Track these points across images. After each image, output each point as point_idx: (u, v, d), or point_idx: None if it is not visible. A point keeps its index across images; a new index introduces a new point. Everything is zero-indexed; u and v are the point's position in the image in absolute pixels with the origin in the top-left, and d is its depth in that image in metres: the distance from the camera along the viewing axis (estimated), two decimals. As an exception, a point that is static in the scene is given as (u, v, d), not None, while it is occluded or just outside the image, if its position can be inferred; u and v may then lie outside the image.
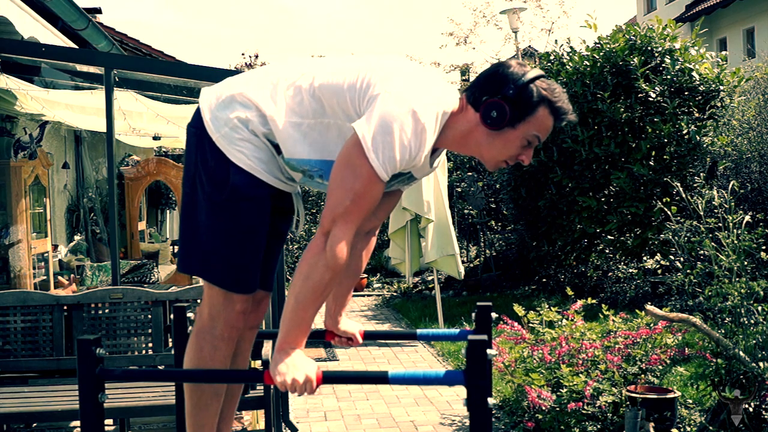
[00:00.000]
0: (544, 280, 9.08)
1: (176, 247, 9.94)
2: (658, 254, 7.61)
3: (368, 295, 9.79)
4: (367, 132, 1.77)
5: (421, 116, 1.80)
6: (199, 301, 3.83)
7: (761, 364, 3.38)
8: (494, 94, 1.86)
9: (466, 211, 10.78)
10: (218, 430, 2.20)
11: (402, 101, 1.79)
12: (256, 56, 17.21)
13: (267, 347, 3.39)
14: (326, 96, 1.89)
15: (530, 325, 4.20)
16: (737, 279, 3.61)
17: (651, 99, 7.29)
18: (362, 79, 1.86)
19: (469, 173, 10.42)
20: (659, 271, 7.76)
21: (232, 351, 2.10)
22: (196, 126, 1.98)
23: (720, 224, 3.82)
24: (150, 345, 3.76)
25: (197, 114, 1.99)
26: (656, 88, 7.27)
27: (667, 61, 7.41)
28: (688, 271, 3.91)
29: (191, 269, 2.06)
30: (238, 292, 2.00)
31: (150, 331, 3.76)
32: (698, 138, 7.28)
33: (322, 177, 1.96)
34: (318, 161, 1.92)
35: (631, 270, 8.21)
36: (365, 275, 10.45)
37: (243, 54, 14.61)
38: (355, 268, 2.24)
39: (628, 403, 3.62)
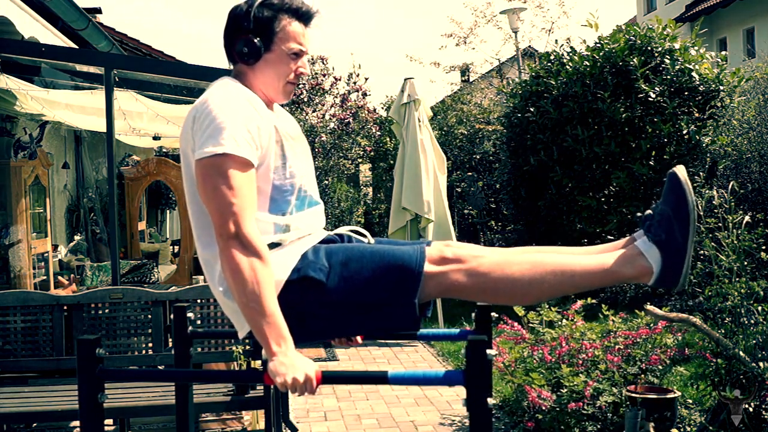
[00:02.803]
0: (544, 280, 9.07)
1: (176, 247, 9.95)
2: (658, 254, 7.59)
3: (368, 295, 9.78)
4: (201, 147, 1.81)
5: (223, 94, 1.88)
6: (199, 301, 3.83)
7: (761, 364, 3.38)
8: (236, 36, 1.96)
9: (466, 211, 10.77)
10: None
11: (206, 106, 1.86)
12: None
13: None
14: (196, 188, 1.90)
15: (530, 325, 4.21)
16: (737, 279, 3.61)
17: (651, 99, 7.29)
18: (187, 150, 1.89)
19: (469, 173, 10.42)
20: (659, 271, 7.74)
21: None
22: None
23: (720, 224, 3.82)
24: (150, 345, 3.76)
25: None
26: (656, 88, 7.27)
27: (667, 61, 7.41)
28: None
29: (413, 311, 1.89)
30: (422, 258, 1.89)
31: (150, 331, 3.76)
32: (698, 138, 7.28)
33: (291, 203, 1.97)
34: (267, 212, 1.92)
35: (631, 270, 8.19)
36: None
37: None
38: None
39: (628, 403, 3.62)
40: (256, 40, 1.94)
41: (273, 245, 1.92)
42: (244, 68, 1.99)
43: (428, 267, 1.89)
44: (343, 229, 2.12)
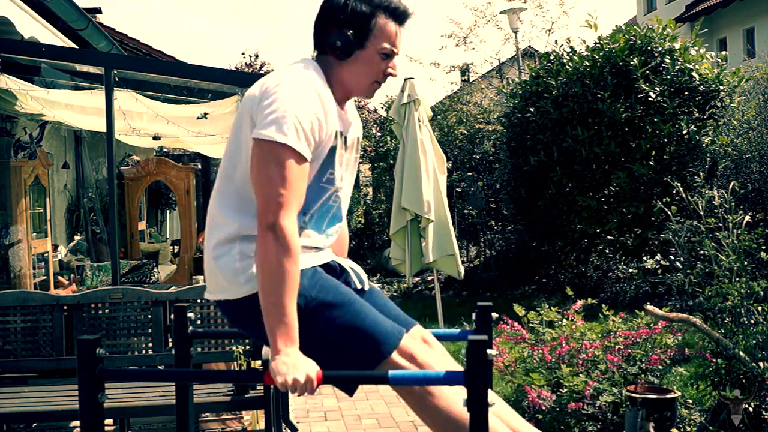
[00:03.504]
0: (544, 280, 9.08)
1: (176, 247, 9.95)
2: (658, 254, 7.61)
3: (368, 295, 9.78)
4: (263, 128, 1.80)
5: (303, 81, 1.86)
6: (199, 300, 3.82)
7: (761, 364, 3.38)
8: (330, 27, 1.93)
9: (466, 211, 10.77)
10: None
11: (281, 85, 1.84)
12: (256, 56, 17.20)
13: (267, 347, 3.39)
14: (242, 159, 1.90)
15: (530, 325, 4.20)
16: (737, 279, 3.61)
17: (651, 99, 7.29)
18: (245, 116, 1.88)
19: (469, 173, 10.42)
20: (659, 271, 7.76)
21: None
22: (237, 312, 1.95)
23: (720, 224, 3.82)
24: (150, 345, 3.76)
25: (226, 307, 1.97)
26: (656, 88, 7.27)
27: (667, 61, 7.41)
28: (688, 271, 3.92)
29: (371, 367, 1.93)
30: (396, 344, 1.91)
31: (150, 331, 3.76)
32: (698, 138, 7.28)
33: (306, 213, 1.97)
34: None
35: (631, 270, 8.20)
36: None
37: (243, 54, 14.66)
38: (339, 254, 2.23)
39: (628, 403, 3.62)
40: (350, 35, 1.91)
41: None
42: (332, 59, 1.96)
43: (395, 356, 1.90)
44: (347, 263, 2.11)
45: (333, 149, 1.94)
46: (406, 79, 6.88)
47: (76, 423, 3.87)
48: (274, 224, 1.77)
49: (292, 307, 1.79)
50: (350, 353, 1.90)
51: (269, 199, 1.79)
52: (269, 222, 1.78)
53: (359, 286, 2.09)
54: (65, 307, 3.75)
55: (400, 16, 1.96)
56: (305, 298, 1.90)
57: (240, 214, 1.91)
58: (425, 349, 2.00)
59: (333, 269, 2.07)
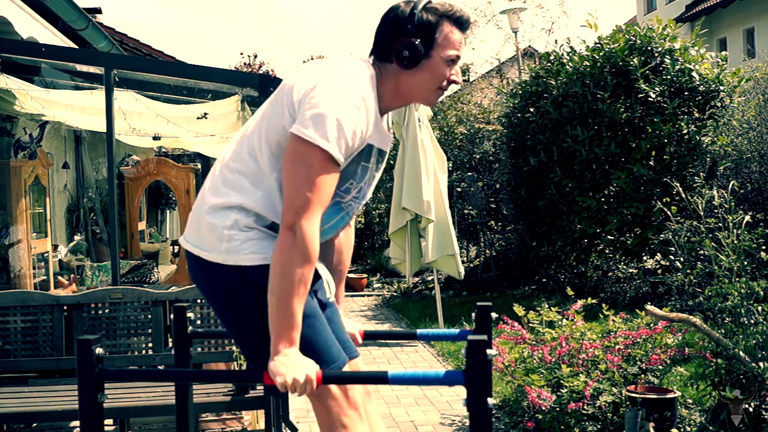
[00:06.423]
0: (544, 280, 9.08)
1: (176, 247, 9.95)
2: (658, 254, 7.61)
3: (368, 295, 9.79)
4: (304, 125, 1.79)
5: (355, 86, 1.85)
6: (199, 300, 3.82)
7: (761, 364, 3.38)
8: (396, 37, 1.92)
9: (466, 211, 10.77)
10: None
11: (331, 83, 1.84)
12: (255, 56, 17.23)
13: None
14: (268, 139, 1.89)
15: (530, 325, 4.20)
16: (737, 279, 3.61)
17: (651, 99, 7.29)
18: (285, 101, 1.87)
19: (469, 173, 10.42)
20: (659, 271, 7.76)
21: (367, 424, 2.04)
22: (201, 270, 1.95)
23: (720, 224, 3.82)
24: (150, 345, 3.76)
25: (194, 260, 1.97)
26: (656, 88, 7.27)
27: (667, 61, 7.41)
28: (688, 271, 3.92)
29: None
30: (337, 369, 1.96)
31: (150, 331, 3.76)
32: (698, 138, 7.28)
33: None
34: None
35: (631, 270, 8.21)
36: (365, 275, 10.46)
37: (242, 54, 14.68)
38: (336, 262, 2.24)
39: (628, 403, 3.62)
40: (419, 45, 1.89)
41: (275, 225, 1.91)
42: (394, 68, 1.95)
43: None
44: (324, 273, 2.10)
45: (361, 160, 1.94)
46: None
47: (76, 423, 3.87)
48: (295, 224, 1.78)
49: (299, 309, 1.80)
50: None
51: (295, 199, 1.79)
52: (291, 222, 1.78)
53: (328, 297, 2.10)
54: (65, 307, 3.75)
55: (464, 24, 1.96)
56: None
57: (247, 193, 1.90)
58: (353, 391, 2.00)
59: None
